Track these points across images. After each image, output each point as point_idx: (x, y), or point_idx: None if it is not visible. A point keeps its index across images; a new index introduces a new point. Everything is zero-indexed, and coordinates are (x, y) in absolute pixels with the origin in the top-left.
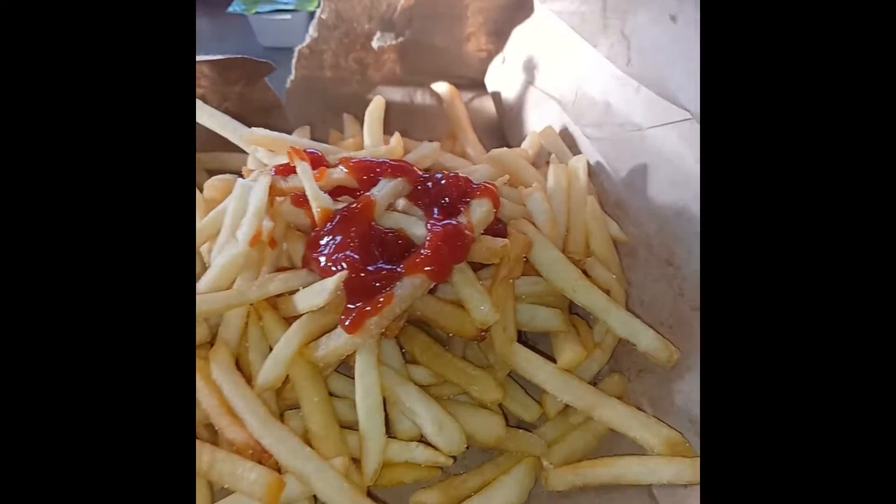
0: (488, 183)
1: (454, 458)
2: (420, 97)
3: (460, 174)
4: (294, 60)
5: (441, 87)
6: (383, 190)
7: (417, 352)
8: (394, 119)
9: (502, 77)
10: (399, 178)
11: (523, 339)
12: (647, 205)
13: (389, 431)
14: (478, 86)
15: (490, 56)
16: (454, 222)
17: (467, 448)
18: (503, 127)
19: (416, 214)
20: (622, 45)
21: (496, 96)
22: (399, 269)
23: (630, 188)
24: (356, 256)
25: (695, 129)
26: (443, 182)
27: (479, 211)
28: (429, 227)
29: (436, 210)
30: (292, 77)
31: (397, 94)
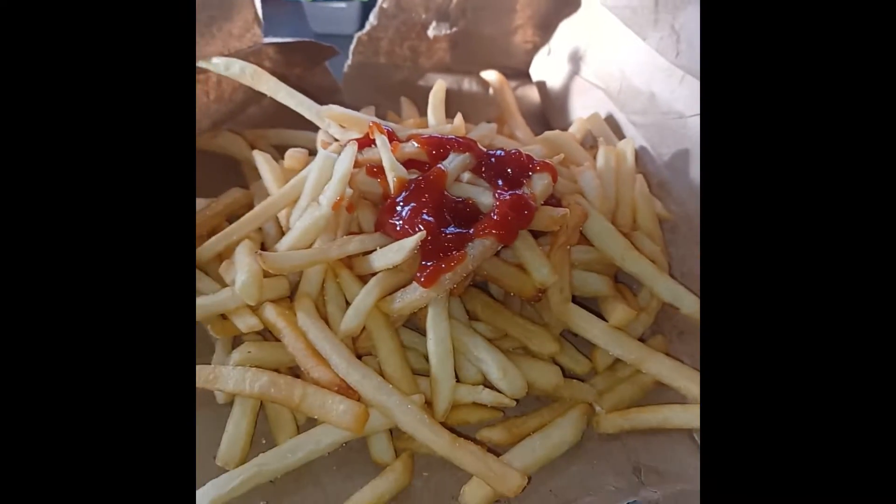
0: (546, 160)
1: (516, 401)
2: (467, 85)
3: (523, 151)
4: (352, 46)
5: (491, 76)
6: (453, 162)
7: (479, 309)
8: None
9: (548, 67)
10: (466, 153)
11: (574, 301)
12: (687, 185)
13: (456, 377)
14: (521, 76)
15: (535, 48)
16: (519, 192)
17: (525, 395)
18: (547, 114)
19: (483, 185)
20: (672, 38)
21: (541, 85)
22: (470, 232)
23: (672, 170)
24: (431, 220)
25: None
26: (504, 157)
27: (540, 183)
28: (497, 196)
29: (500, 181)
30: (349, 62)
31: (445, 82)
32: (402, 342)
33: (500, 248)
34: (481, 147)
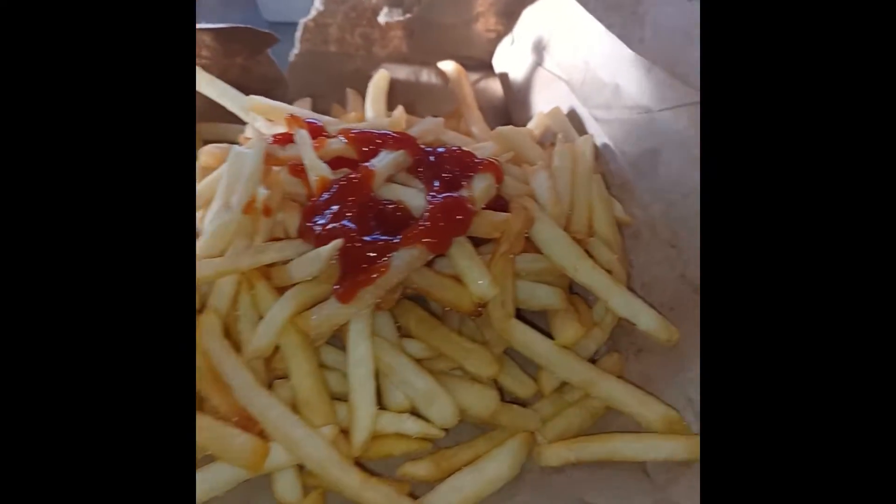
0: (492, 158)
1: (446, 430)
2: (426, 76)
3: (466, 149)
4: (298, 33)
5: (448, 66)
6: (383, 161)
7: (412, 325)
8: (398, 97)
9: (511, 58)
10: (400, 151)
11: (520, 317)
12: (652, 187)
13: (380, 403)
14: (485, 67)
15: (499, 37)
16: (455, 195)
17: (459, 422)
18: (509, 108)
19: (417, 187)
20: (635, 23)
21: (503, 77)
22: (396, 240)
23: (636, 170)
24: (352, 226)
25: (692, 112)
26: (445, 155)
27: (481, 185)
28: (429, 199)
29: (436, 182)
30: (296, 51)
31: (402, 72)
32: (324, 362)
33: (430, 257)
34: (422, 144)
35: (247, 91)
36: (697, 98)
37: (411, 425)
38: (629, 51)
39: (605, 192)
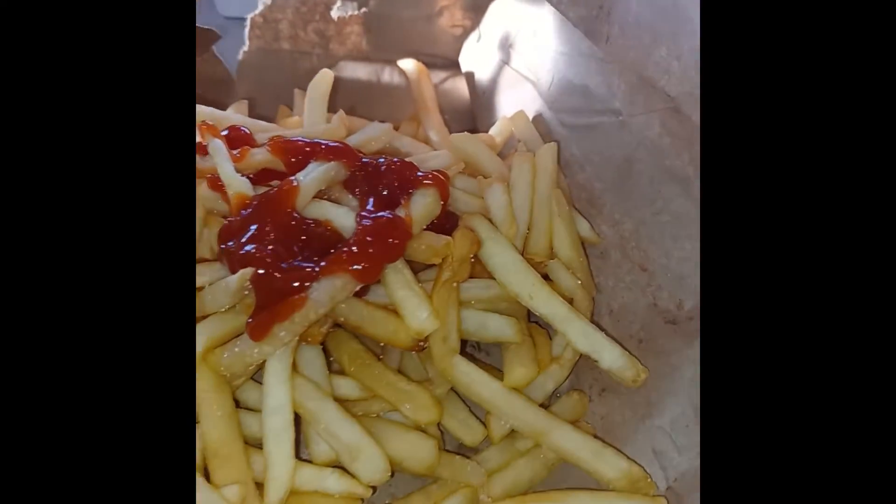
0: (438, 171)
1: (374, 488)
2: (388, 76)
3: (408, 161)
4: (247, 30)
5: (407, 65)
6: (310, 175)
7: (346, 361)
8: (357, 99)
9: (477, 56)
10: (332, 162)
11: (473, 349)
12: (622, 202)
13: (303, 453)
14: (453, 66)
15: (466, 33)
16: (388, 215)
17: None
18: (474, 111)
19: (350, 204)
20: (602, 19)
21: (469, 77)
22: (318, 268)
23: (606, 183)
24: (269, 251)
25: (677, 118)
26: (384, 168)
27: (421, 203)
28: (358, 220)
29: (371, 200)
30: (245, 48)
31: (362, 72)
32: (244, 403)
33: (358, 287)
34: (358, 154)
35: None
36: (669, 104)
37: (333, 483)
38: (600, 50)
39: (567, 207)
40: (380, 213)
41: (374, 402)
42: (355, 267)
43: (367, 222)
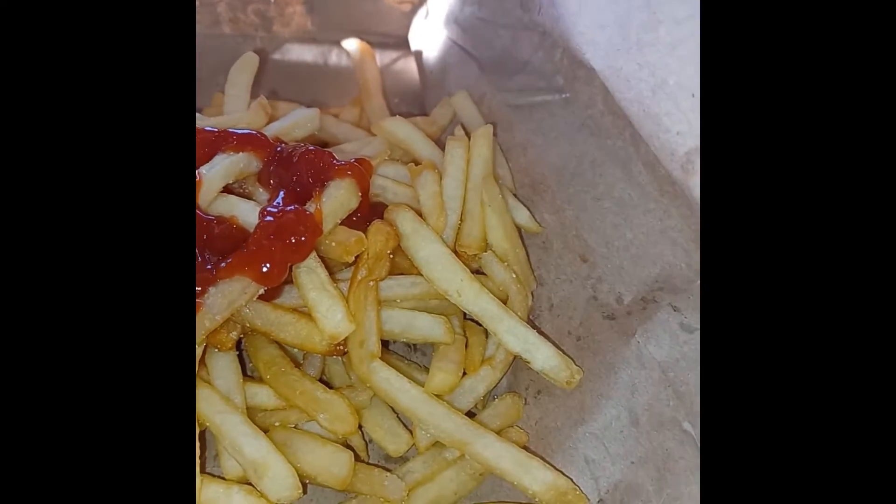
0: (361, 159)
1: None
2: (336, 57)
3: (326, 149)
4: None
5: (351, 45)
6: (215, 167)
7: (262, 368)
8: (303, 82)
9: (425, 33)
10: (242, 153)
11: (409, 350)
12: (564, 187)
13: (212, 468)
14: (403, 45)
15: (414, 9)
16: (292, 210)
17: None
18: (423, 92)
19: (260, 199)
20: None
21: (418, 56)
22: (215, 271)
23: (549, 167)
24: None
25: (604, 93)
26: (296, 158)
27: (334, 195)
28: (261, 217)
29: (281, 194)
30: None
31: (308, 54)
32: None
33: (261, 290)
34: (273, 143)
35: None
36: (602, 80)
37: (240, 500)
38: (538, 21)
39: (499, 195)
40: (286, 208)
41: (291, 412)
42: (254, 269)
43: (269, 219)
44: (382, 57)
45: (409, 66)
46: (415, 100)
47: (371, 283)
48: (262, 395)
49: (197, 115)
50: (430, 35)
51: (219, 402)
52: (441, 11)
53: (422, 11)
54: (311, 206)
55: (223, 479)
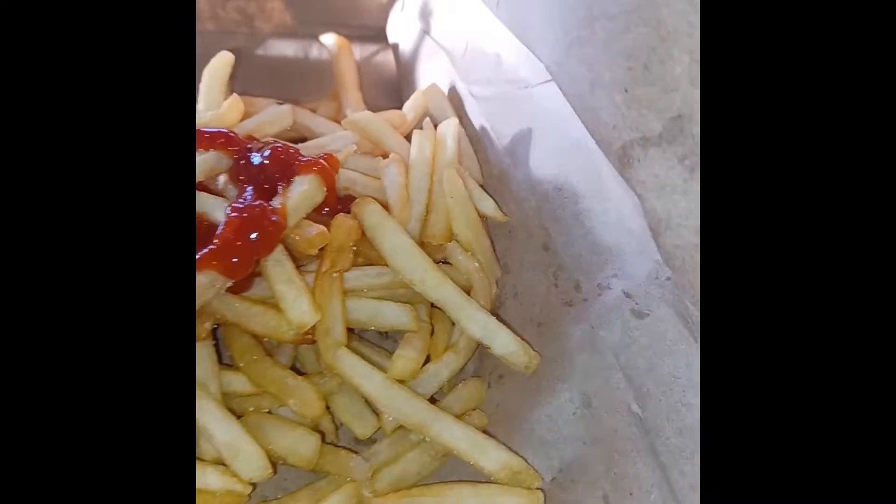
0: (327, 154)
1: (254, 485)
2: (317, 52)
3: (291, 145)
4: None
5: (328, 39)
6: None
7: (236, 356)
8: (285, 78)
9: (401, 26)
10: (211, 152)
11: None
12: (528, 177)
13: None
14: (384, 38)
15: (392, 2)
16: (257, 205)
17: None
18: (400, 84)
19: (230, 195)
20: None
21: (395, 49)
22: None
23: (513, 157)
24: None
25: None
26: (264, 155)
27: (298, 190)
28: (227, 212)
29: (249, 190)
30: None
31: (289, 49)
32: None
33: (227, 283)
34: (242, 141)
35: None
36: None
37: (214, 480)
38: (503, 13)
39: (461, 185)
40: (251, 204)
41: (264, 398)
42: (220, 263)
43: (234, 215)
44: (362, 50)
45: (388, 58)
46: (393, 93)
47: (335, 275)
48: (237, 382)
49: None
50: (405, 27)
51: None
52: (415, 4)
53: (398, 4)
54: (276, 202)
55: (200, 460)
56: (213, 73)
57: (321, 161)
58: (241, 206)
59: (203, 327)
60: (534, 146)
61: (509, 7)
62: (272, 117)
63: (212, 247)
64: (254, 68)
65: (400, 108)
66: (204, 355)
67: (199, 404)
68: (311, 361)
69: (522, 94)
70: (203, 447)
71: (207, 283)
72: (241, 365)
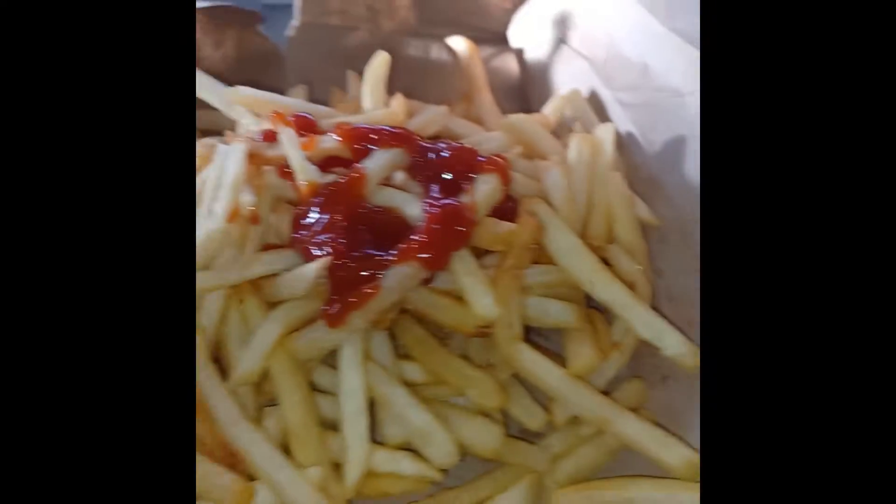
0: (498, 155)
1: (445, 471)
2: (436, 52)
3: (467, 144)
4: (297, 2)
5: (458, 43)
6: (376, 162)
7: (411, 346)
8: (405, 76)
9: (528, 32)
10: (396, 149)
11: (533, 334)
12: (682, 182)
13: (376, 435)
14: (500, 41)
15: (515, 7)
16: (453, 202)
17: (465, 456)
18: (526, 89)
19: (415, 191)
20: None
21: (520, 54)
22: (388, 256)
23: (665, 163)
24: (342, 240)
25: None
26: (445, 153)
27: (483, 189)
28: (425, 208)
29: (435, 187)
30: (295, 23)
31: (411, 48)
32: (317, 386)
33: (427, 275)
34: (419, 139)
35: (245, 69)
36: None
37: (407, 465)
38: (658, 24)
39: (627, 190)
40: (446, 201)
41: (439, 387)
42: (424, 255)
43: (434, 210)
44: (480, 52)
45: (505, 61)
46: (511, 95)
47: (517, 271)
48: (412, 371)
49: (331, 110)
50: (533, 33)
51: (382, 375)
52: (548, 11)
53: (524, 10)
54: (464, 198)
55: (384, 444)
56: (375, 72)
57: (499, 161)
58: (439, 202)
59: (388, 317)
60: (687, 152)
61: (687, 22)
62: (433, 117)
63: (416, 239)
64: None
65: (521, 110)
66: (383, 344)
67: (391, 391)
68: (477, 353)
69: (673, 102)
70: (387, 432)
71: (412, 274)
72: (416, 354)
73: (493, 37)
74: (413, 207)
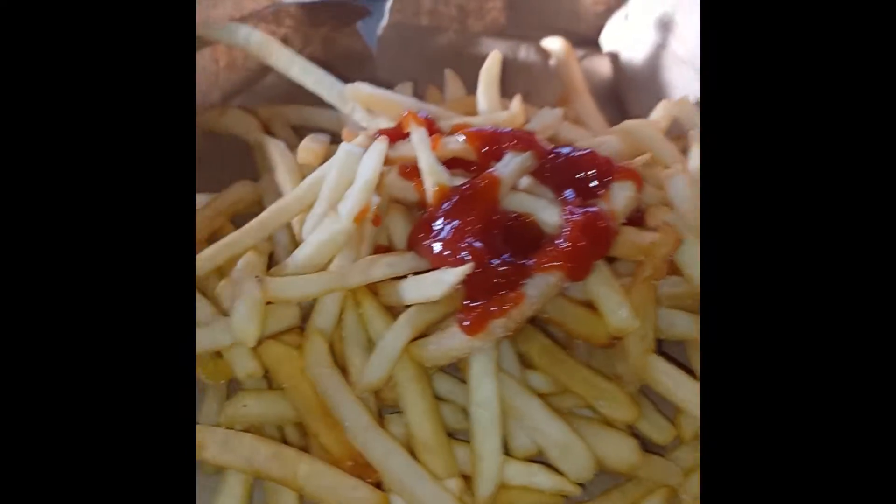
0: (629, 163)
1: (581, 485)
2: (524, 53)
3: (594, 151)
4: (389, 3)
5: (555, 44)
6: (509, 166)
7: (535, 355)
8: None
9: (624, 36)
10: (526, 153)
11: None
12: None
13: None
14: (589, 44)
15: (609, 10)
16: (595, 209)
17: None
18: (622, 95)
19: (546, 196)
20: None
21: (614, 58)
22: (528, 263)
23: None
24: (479, 245)
25: None
26: (573, 158)
27: (622, 196)
28: (566, 214)
29: (569, 192)
30: (385, 23)
31: (499, 49)
32: (437, 393)
33: (567, 284)
34: (542, 143)
35: (331, 68)
36: None
37: (543, 479)
38: None
39: None
40: (586, 208)
41: (565, 398)
42: (567, 264)
43: (576, 218)
44: None
45: (595, 65)
46: (602, 99)
47: (654, 283)
48: (536, 380)
49: (447, 111)
50: (631, 37)
51: (514, 385)
52: (648, 16)
53: (620, 14)
54: (602, 205)
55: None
56: (489, 72)
57: (633, 168)
58: (580, 209)
59: (518, 325)
60: None
61: None
62: (549, 121)
63: (559, 247)
64: (463, 67)
65: (619, 116)
66: (509, 353)
67: (525, 402)
68: (600, 364)
69: None
70: (516, 441)
71: (554, 283)
72: (542, 364)
73: (581, 40)
74: (549, 214)
